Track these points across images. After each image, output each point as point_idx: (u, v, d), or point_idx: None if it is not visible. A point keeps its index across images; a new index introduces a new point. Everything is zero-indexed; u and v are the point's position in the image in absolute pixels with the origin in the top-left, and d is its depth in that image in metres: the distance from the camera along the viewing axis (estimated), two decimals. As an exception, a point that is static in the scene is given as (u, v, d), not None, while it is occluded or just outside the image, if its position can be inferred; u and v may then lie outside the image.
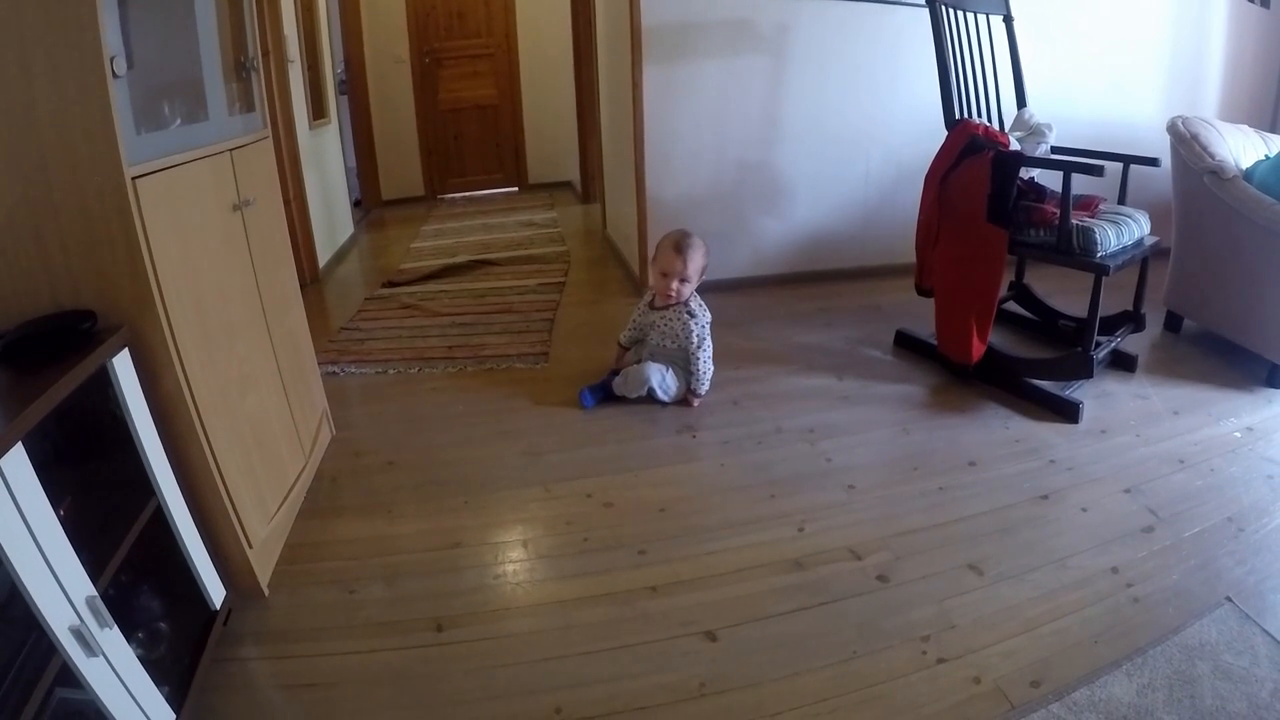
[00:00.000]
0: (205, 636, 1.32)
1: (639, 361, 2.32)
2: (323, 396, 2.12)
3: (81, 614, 0.95)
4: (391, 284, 3.66)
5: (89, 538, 1.03)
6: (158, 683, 1.11)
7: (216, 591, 1.39)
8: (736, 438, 2.11)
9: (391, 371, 2.62)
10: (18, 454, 0.89)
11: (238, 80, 1.64)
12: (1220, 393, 2.28)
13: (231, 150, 1.56)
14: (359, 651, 1.39)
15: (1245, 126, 2.72)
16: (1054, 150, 2.39)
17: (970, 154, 2.26)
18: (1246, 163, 2.49)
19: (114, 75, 1.11)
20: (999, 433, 2.09)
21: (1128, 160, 2.33)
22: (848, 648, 1.35)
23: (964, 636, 1.37)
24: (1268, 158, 2.49)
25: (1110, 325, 2.41)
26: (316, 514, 1.80)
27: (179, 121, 1.38)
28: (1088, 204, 2.27)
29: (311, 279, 3.68)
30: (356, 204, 5.30)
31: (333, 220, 4.29)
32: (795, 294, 3.28)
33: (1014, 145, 2.31)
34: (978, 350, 2.29)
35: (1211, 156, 2.40)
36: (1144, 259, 2.28)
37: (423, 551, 1.66)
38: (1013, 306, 2.80)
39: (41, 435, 0.99)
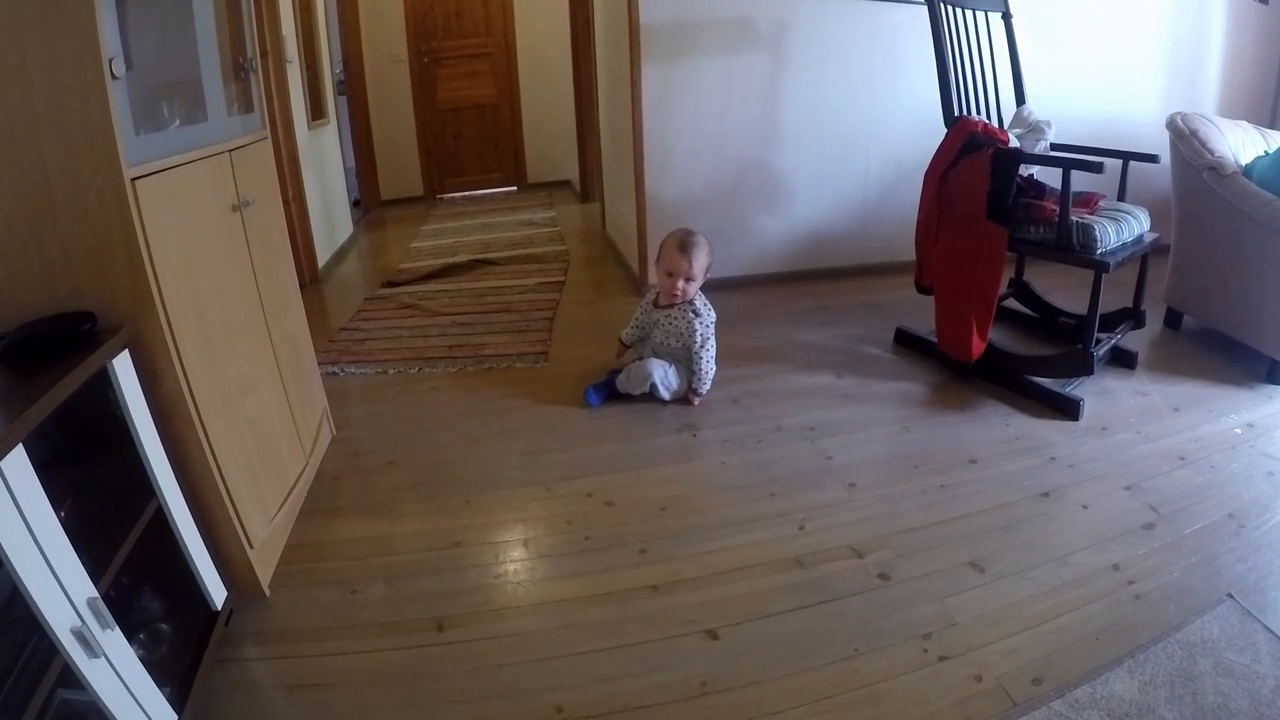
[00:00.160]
0: (207, 637, 1.32)
1: (640, 359, 2.32)
2: (323, 397, 2.12)
3: (83, 615, 0.95)
4: (391, 284, 3.66)
5: (90, 539, 1.03)
6: (159, 683, 1.11)
7: (218, 592, 1.39)
8: (737, 436, 2.11)
9: (391, 371, 2.62)
10: (18, 455, 0.89)
11: (236, 81, 1.64)
12: (1220, 389, 2.28)
13: (230, 151, 1.56)
14: (360, 651, 1.39)
15: (1244, 122, 2.72)
16: (1053, 147, 2.40)
17: (970, 151, 2.26)
18: (1246, 159, 2.49)
19: (113, 76, 1.11)
20: (999, 430, 2.09)
21: (1127, 157, 2.33)
22: (849, 646, 1.35)
23: (965, 634, 1.37)
24: (1267, 154, 2.49)
25: (1110, 322, 2.41)
26: (317, 514, 1.80)
27: (178, 122, 1.38)
28: (1087, 201, 2.27)
29: (311, 279, 3.68)
30: (355, 204, 5.29)
31: (332, 220, 4.29)
32: (795, 292, 3.28)
33: (1013, 142, 2.31)
34: (978, 348, 2.28)
35: (1211, 153, 2.40)
36: (1144, 255, 2.28)
37: (423, 551, 1.66)
38: (1013, 304, 2.80)
39: (42, 437, 0.99)
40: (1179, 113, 2.55)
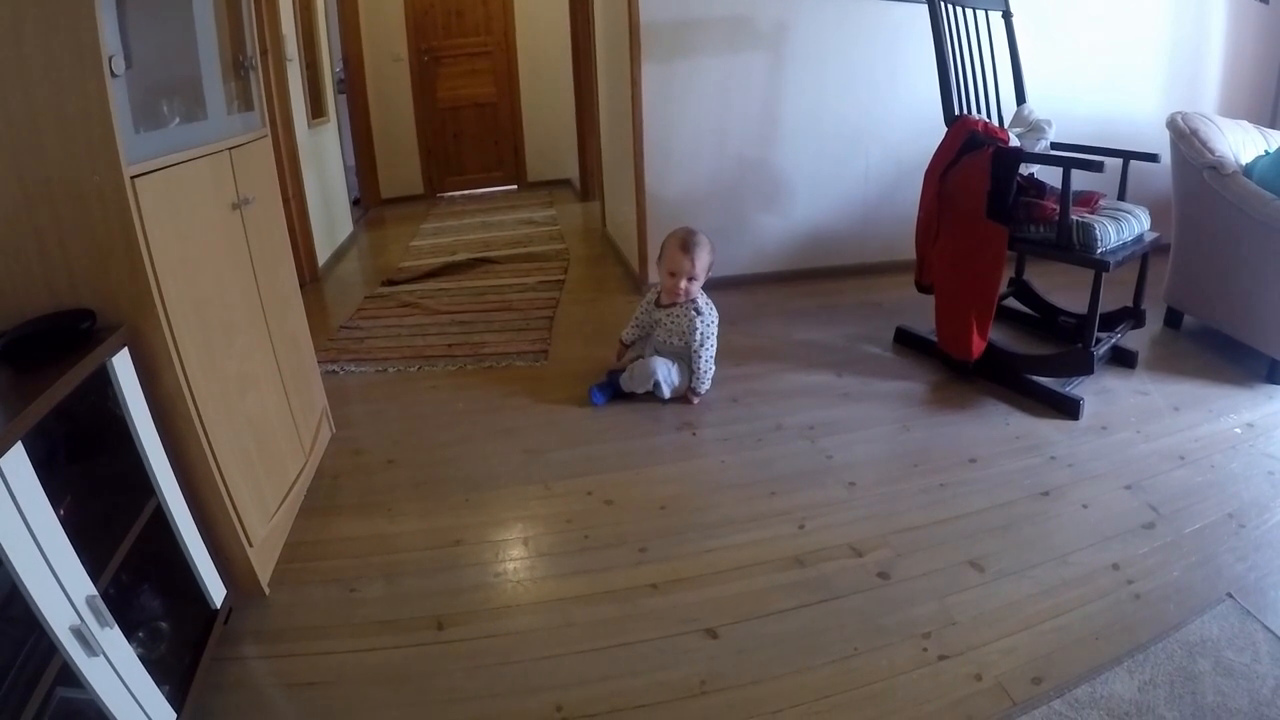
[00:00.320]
0: (206, 635, 1.32)
1: (640, 357, 2.32)
2: (322, 395, 2.12)
3: (82, 613, 0.95)
4: (391, 282, 3.65)
5: (89, 537, 1.03)
6: (158, 682, 1.11)
7: (217, 590, 1.38)
8: (737, 435, 2.10)
9: (391, 370, 2.62)
10: (17, 453, 0.89)
11: (236, 79, 1.64)
12: (1220, 389, 2.28)
13: (230, 149, 1.55)
14: (360, 650, 1.39)
15: (1244, 122, 2.72)
16: (1054, 146, 2.40)
17: (970, 150, 2.26)
18: (1246, 158, 2.49)
19: (112, 74, 1.11)
20: (999, 429, 2.09)
21: (1127, 156, 2.33)
22: (849, 645, 1.35)
23: (965, 633, 1.37)
24: (1267, 153, 2.49)
25: (1110, 321, 2.40)
26: (317, 512, 1.80)
27: (178, 120, 1.38)
28: (1088, 200, 2.27)
29: (311, 278, 3.68)
30: (355, 202, 5.29)
31: (332, 219, 4.29)
32: (795, 291, 3.28)
33: (1014, 141, 2.31)
34: (978, 347, 2.28)
35: (1211, 152, 2.39)
36: (1144, 255, 2.27)
37: (423, 550, 1.66)
38: (1013, 303, 2.80)
39: (41, 435, 0.99)
40: (1179, 112, 2.55)
